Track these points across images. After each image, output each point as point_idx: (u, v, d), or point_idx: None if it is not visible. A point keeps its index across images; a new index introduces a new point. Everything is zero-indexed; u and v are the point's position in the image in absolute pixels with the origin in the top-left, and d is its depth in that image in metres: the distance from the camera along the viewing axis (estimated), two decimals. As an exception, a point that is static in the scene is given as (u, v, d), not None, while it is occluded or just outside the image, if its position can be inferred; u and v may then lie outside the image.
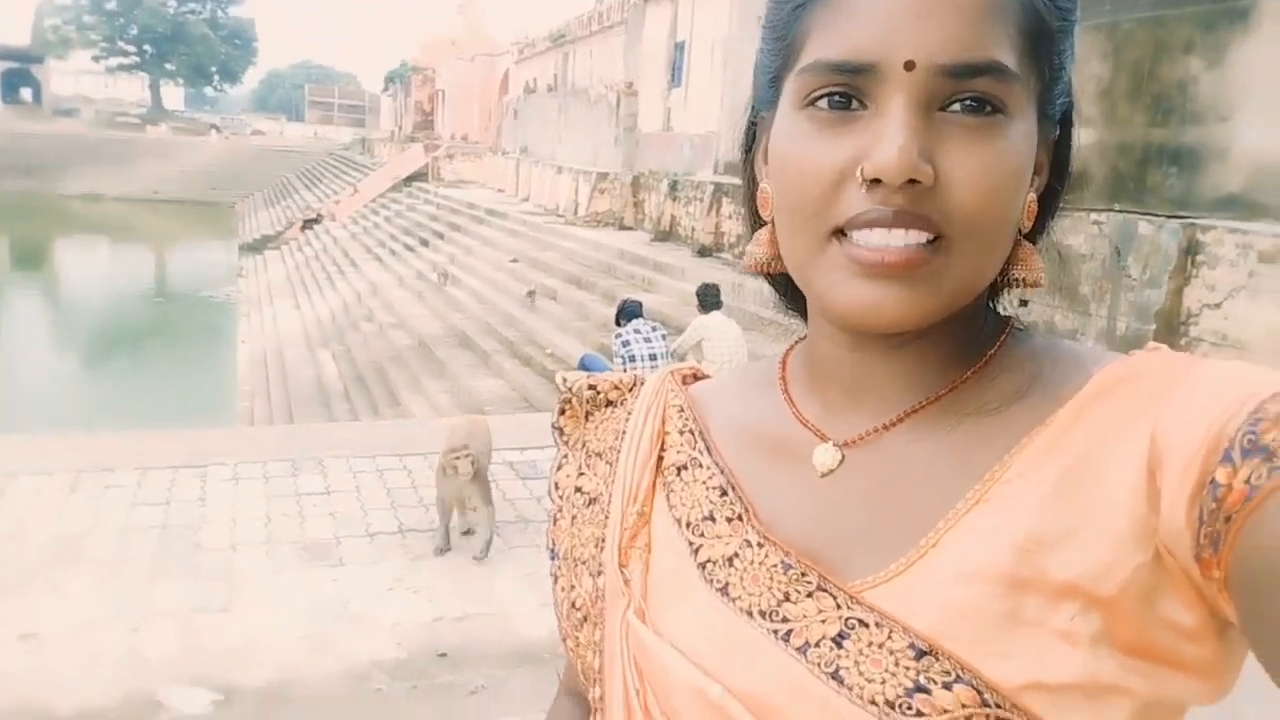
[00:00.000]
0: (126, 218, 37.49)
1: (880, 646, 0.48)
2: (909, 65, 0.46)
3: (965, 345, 0.55)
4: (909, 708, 0.46)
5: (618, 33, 23.37)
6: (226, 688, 3.05)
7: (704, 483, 0.60)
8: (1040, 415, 0.50)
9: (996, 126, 0.48)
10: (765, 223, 0.57)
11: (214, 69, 64.34)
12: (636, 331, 6.45)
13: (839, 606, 0.50)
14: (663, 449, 0.64)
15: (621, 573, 0.60)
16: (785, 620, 0.51)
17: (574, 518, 0.67)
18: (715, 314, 6.78)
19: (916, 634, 0.47)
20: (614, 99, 21.71)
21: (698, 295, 6.93)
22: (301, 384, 14.47)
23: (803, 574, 0.52)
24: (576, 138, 23.69)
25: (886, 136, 0.46)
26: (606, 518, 0.64)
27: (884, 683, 0.47)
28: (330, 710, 2.98)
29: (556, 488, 0.71)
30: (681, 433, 0.63)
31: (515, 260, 16.38)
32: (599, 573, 0.63)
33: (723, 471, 0.59)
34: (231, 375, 15.37)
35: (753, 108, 0.58)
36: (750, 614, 0.53)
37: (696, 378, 0.69)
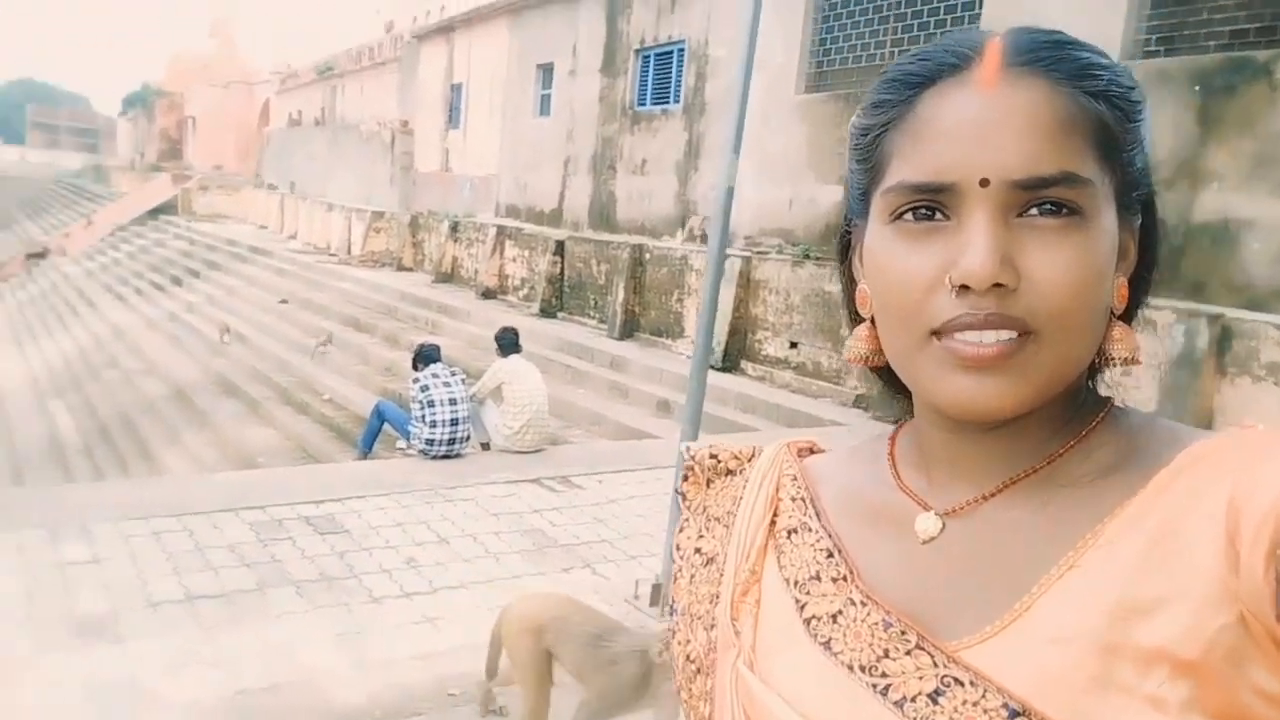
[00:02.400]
0: None
1: (975, 705, 0.51)
2: (984, 183, 0.52)
3: (1062, 422, 0.58)
4: None
5: (390, 69, 22.91)
6: (-4, 793, 2.67)
7: (812, 545, 0.64)
8: (1132, 488, 0.53)
9: (1074, 227, 0.52)
10: (863, 319, 0.63)
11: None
12: (435, 376, 6.32)
13: (936, 665, 0.54)
14: (775, 514, 0.68)
15: (733, 625, 0.65)
16: (884, 675, 0.55)
17: (692, 577, 0.71)
18: (514, 357, 6.79)
19: (1010, 694, 0.50)
20: (388, 137, 21.23)
21: (496, 340, 6.90)
22: (30, 439, 12.85)
23: (902, 632, 0.56)
24: (348, 174, 22.88)
25: (970, 246, 0.52)
26: (721, 575, 0.68)
27: None
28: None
29: (678, 549, 0.73)
30: (794, 499, 0.68)
31: (285, 301, 15.50)
32: (712, 626, 0.67)
33: (830, 535, 0.64)
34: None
35: (846, 216, 0.65)
36: (851, 668, 0.57)
37: (812, 451, 0.74)
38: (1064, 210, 0.52)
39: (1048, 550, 0.54)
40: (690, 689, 0.69)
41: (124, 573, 4.14)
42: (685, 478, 0.76)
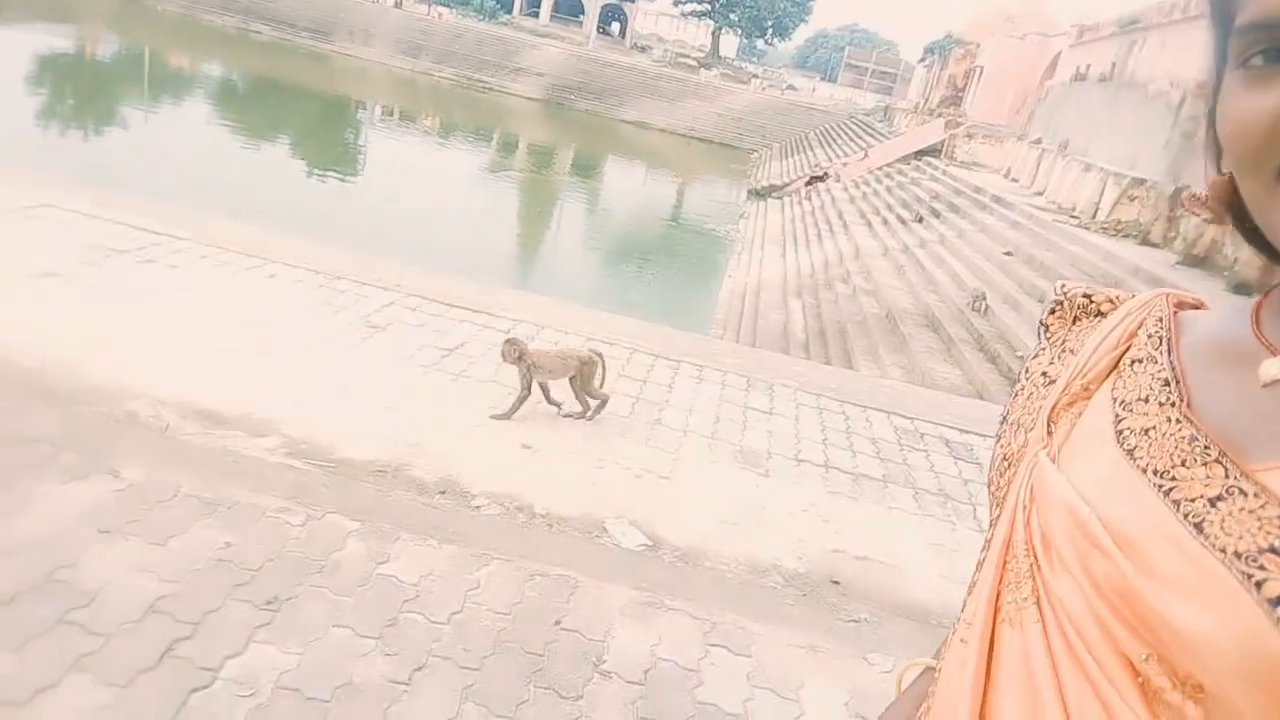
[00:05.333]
0: (662, 148, 42.19)
1: (1251, 512, 0.52)
2: None
3: None
4: (1254, 561, 0.50)
5: (1201, 25, 20.38)
6: (655, 536, 3.57)
7: (1152, 374, 0.67)
8: None
9: None
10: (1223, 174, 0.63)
11: (770, 24, 68.62)
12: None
13: (1227, 477, 0.55)
14: (1129, 348, 0.71)
15: (1048, 426, 0.71)
16: (1173, 480, 0.58)
17: (1030, 395, 0.77)
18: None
19: None
20: (1176, 98, 19.14)
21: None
22: (769, 326, 15.39)
23: (1205, 448, 0.58)
24: (1117, 135, 21.39)
25: None
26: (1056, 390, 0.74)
27: (1241, 538, 0.52)
28: (729, 584, 3.35)
29: (1026, 372, 0.80)
30: (1150, 336, 0.70)
31: (1009, 253, 15.52)
32: (1031, 428, 0.74)
33: (1173, 369, 0.66)
34: (711, 304, 16.83)
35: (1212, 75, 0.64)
36: (1144, 470, 0.60)
37: (1195, 307, 0.74)
38: None
39: None
40: (999, 482, 0.75)
41: (787, 429, 4.93)
42: (1052, 311, 0.79)
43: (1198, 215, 0.65)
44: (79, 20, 38.00)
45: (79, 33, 36.15)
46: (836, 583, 3.54)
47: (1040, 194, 21.89)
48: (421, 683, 2.49)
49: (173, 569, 2.74)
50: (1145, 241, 15.89)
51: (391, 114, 36.46)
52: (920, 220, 20.22)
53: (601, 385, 4.57)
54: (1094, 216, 17.92)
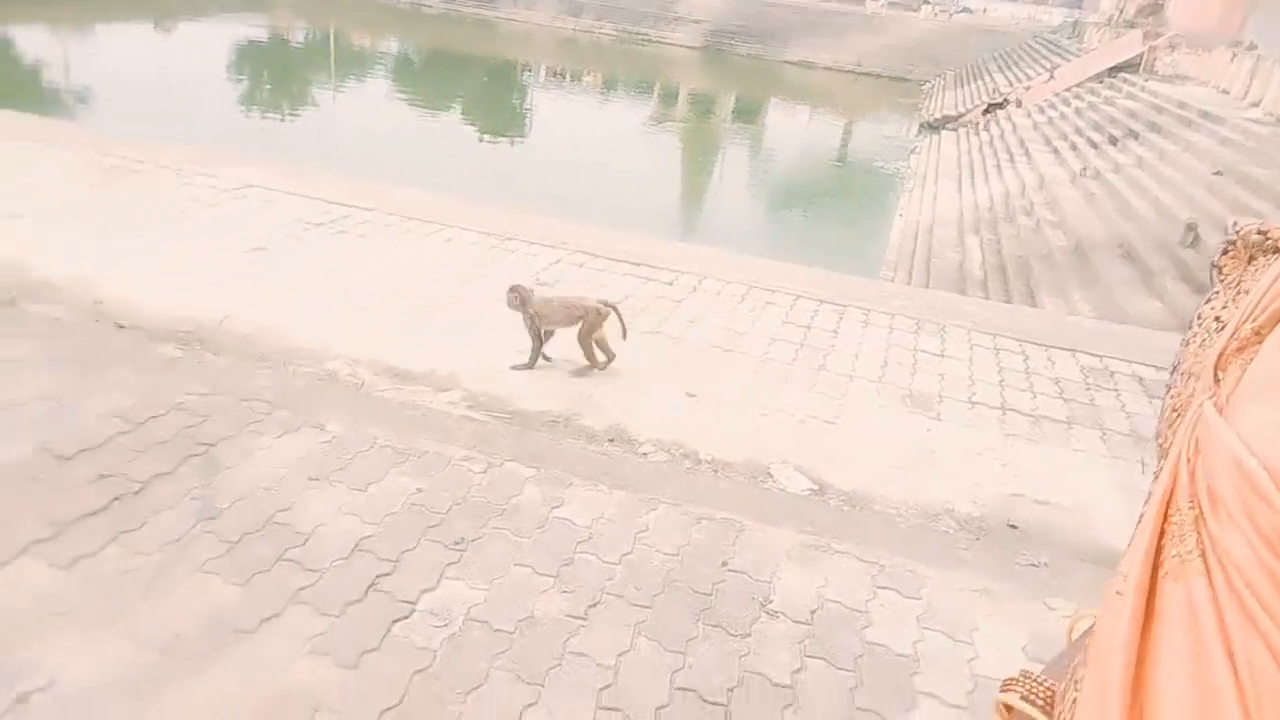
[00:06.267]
0: (829, 87, 40.78)
1: None
2: None
3: None
4: None
5: None
6: (821, 481, 3.58)
7: None
8: None
9: None
10: None
11: (939, -56, 64.44)
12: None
13: None
14: None
15: (1215, 374, 0.69)
16: None
17: (1202, 342, 0.75)
18: None
19: None
20: None
21: None
22: (943, 265, 14.73)
23: None
24: (1353, 31, 18.79)
25: None
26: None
27: None
28: (898, 529, 3.31)
29: (1199, 318, 0.77)
30: None
31: (1219, 173, 14.08)
32: (1199, 377, 0.72)
33: None
34: (882, 244, 16.29)
35: None
36: None
37: None
38: None
39: None
40: (1166, 434, 0.73)
41: (960, 371, 4.77)
42: (1225, 251, 0.74)
43: None
44: (271, 10, 40.82)
45: (271, 21, 38.87)
46: (1014, 527, 3.43)
47: (1256, 105, 19.66)
48: (597, 618, 2.64)
49: (373, 512, 3.01)
50: (1387, 149, 13.99)
51: (556, 74, 37.15)
52: (1114, 143, 18.65)
53: (624, 336, 4.26)
54: (1322, 125, 15.94)
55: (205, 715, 2.18)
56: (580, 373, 4.28)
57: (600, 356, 4.30)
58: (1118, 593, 0.69)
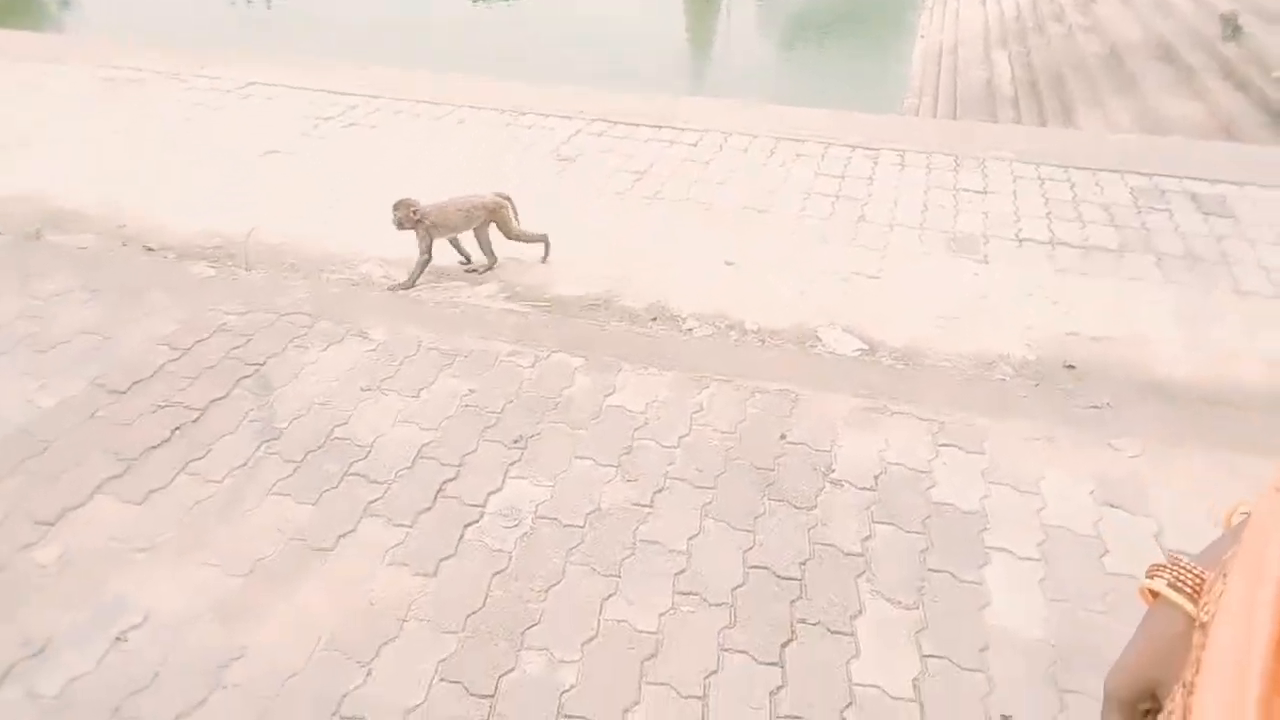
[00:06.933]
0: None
1: None
2: None
3: None
4: None
5: None
6: (870, 340, 3.52)
7: None
8: None
9: None
10: None
11: None
12: None
13: None
14: None
15: None
16: None
17: None
18: None
19: None
20: None
21: None
22: (971, 85, 14.08)
23: None
24: None
25: None
26: None
27: None
28: (953, 382, 3.28)
29: None
30: None
31: (1264, -48, 13.05)
32: None
33: None
34: (904, 69, 15.56)
35: None
36: None
37: None
38: None
39: None
40: None
41: (1004, 207, 4.60)
42: None
43: None
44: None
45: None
46: (1071, 367, 3.37)
47: None
48: (662, 504, 2.67)
49: (430, 418, 3.03)
50: None
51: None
52: (1148, -69, 17.34)
53: (516, 218, 3.97)
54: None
55: (300, 634, 2.26)
56: (479, 274, 4.01)
57: (525, 244, 4.05)
58: (1276, 489, 0.64)
